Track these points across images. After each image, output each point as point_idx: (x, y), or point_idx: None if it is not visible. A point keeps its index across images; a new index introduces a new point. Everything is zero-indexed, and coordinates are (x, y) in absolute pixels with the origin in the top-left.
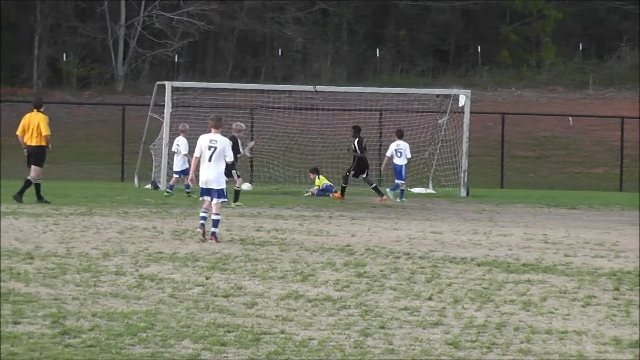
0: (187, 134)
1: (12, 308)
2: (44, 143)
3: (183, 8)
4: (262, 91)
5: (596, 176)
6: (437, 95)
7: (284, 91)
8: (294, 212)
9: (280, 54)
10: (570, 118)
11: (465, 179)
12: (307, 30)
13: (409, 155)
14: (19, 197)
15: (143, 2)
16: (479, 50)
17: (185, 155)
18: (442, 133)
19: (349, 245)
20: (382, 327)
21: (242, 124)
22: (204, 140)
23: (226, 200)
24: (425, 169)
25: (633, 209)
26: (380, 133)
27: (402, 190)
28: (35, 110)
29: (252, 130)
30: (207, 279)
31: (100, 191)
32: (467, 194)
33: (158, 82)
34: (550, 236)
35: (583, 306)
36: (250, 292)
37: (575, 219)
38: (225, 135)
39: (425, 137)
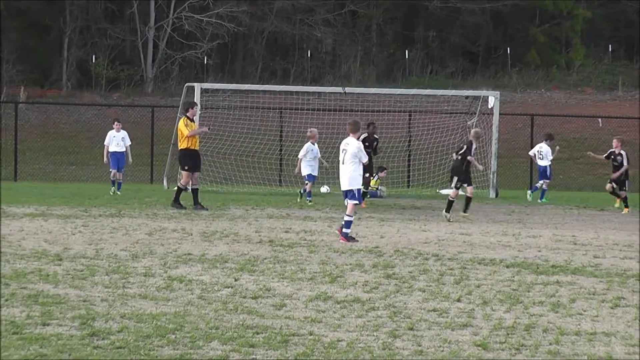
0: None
1: (41, 310)
2: (184, 146)
3: (212, 10)
4: (292, 93)
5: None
6: (466, 97)
7: (313, 93)
8: (322, 214)
9: (309, 55)
10: (600, 119)
11: (494, 181)
12: (336, 32)
13: (550, 157)
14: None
15: (172, 4)
16: (509, 51)
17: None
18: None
19: (377, 247)
20: (411, 329)
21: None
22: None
23: (357, 202)
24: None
25: None
26: (410, 135)
27: (544, 191)
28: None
29: (281, 132)
30: (235, 280)
31: (130, 192)
32: (496, 195)
33: (187, 84)
34: (579, 237)
35: (612, 307)
36: (279, 294)
37: (604, 221)
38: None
39: (455, 139)
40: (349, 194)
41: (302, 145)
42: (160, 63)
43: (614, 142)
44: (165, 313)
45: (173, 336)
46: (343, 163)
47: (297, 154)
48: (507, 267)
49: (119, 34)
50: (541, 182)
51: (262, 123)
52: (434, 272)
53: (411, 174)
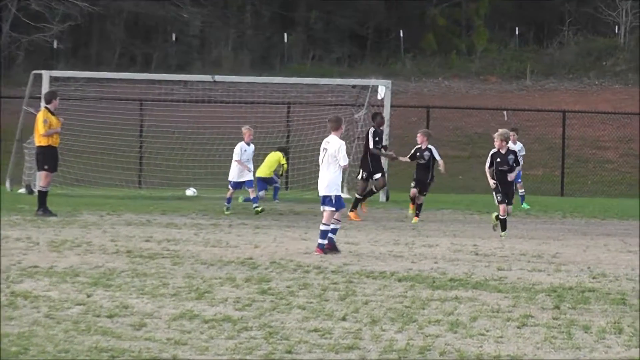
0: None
1: None
2: (44, 143)
3: None
4: (154, 81)
5: (534, 179)
6: (354, 86)
7: (178, 82)
8: (188, 220)
9: (174, 39)
10: (505, 112)
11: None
12: (205, 13)
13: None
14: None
15: None
16: (402, 35)
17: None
18: (359, 130)
19: (251, 258)
20: (289, 352)
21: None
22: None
23: (334, 209)
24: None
25: (575, 216)
26: (289, 129)
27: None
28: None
29: (141, 127)
30: (88, 296)
31: None
32: (387, 199)
33: (34, 72)
34: (481, 247)
35: (518, 327)
36: (138, 312)
37: (510, 228)
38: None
39: (340, 134)
40: (325, 200)
41: (163, 142)
42: (4, 47)
43: (419, 137)
44: (8, 334)
45: None
46: (322, 164)
47: (159, 152)
48: (399, 280)
49: None
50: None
51: (119, 116)
52: (315, 286)
53: (290, 174)
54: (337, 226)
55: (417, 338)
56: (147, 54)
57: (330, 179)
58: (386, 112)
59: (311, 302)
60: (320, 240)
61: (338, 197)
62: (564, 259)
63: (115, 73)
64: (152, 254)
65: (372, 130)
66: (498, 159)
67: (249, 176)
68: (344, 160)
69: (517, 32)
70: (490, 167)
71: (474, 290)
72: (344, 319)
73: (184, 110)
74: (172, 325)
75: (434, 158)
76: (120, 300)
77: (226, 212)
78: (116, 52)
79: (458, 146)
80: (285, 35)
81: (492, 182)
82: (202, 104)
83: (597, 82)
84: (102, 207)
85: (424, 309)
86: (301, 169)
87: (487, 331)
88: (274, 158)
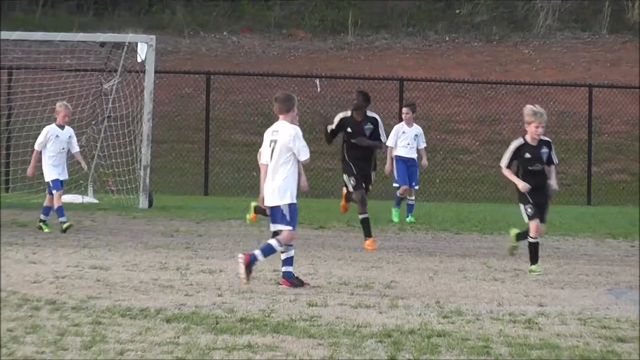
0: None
1: None
2: None
3: None
4: None
5: None
6: (102, 44)
7: None
8: None
9: None
10: (318, 81)
11: (147, 181)
12: None
13: (423, 145)
14: None
15: None
16: None
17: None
18: (110, 106)
19: None
20: None
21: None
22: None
23: (291, 228)
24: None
25: (419, 228)
26: (9, 104)
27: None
28: None
29: None
30: None
31: None
32: (151, 205)
33: None
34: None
35: None
36: None
37: (325, 245)
38: None
39: (82, 113)
40: (276, 213)
41: None
42: None
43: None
44: None
45: None
46: (269, 161)
47: None
48: (168, 321)
49: None
50: (405, 186)
51: None
52: (49, 329)
53: (11, 169)
54: (291, 253)
55: None
56: None
57: (281, 181)
58: (148, 81)
59: (43, 352)
60: (284, 268)
61: (292, 207)
62: (402, 289)
63: None
64: None
65: (371, 114)
66: (527, 154)
67: (65, 174)
68: (305, 153)
69: None
70: (508, 166)
71: (275, 334)
72: None
73: None
74: None
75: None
76: None
77: (47, 229)
78: None
79: (251, 128)
80: None
81: (522, 183)
82: None
83: (447, 38)
84: None
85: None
86: (28, 161)
87: None
88: None
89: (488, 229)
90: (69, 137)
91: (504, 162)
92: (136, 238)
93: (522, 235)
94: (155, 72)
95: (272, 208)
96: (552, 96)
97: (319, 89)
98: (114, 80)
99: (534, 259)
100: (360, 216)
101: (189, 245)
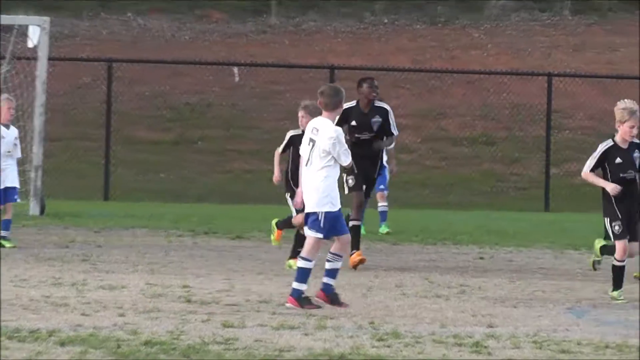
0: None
1: None
2: None
3: None
4: None
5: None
6: None
7: None
8: None
9: None
10: (236, 69)
11: (39, 184)
12: None
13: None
14: None
15: None
16: None
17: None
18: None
19: None
20: None
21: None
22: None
23: (321, 236)
24: None
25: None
26: None
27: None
28: None
29: None
30: None
31: None
32: (42, 211)
33: None
34: (196, 290)
35: None
36: None
37: (243, 257)
38: None
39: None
40: (310, 219)
41: None
42: None
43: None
44: None
45: None
46: (307, 165)
47: None
48: (62, 344)
49: None
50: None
51: None
52: None
53: None
54: (337, 264)
55: None
56: None
57: (321, 187)
58: (41, 69)
59: None
60: (295, 285)
61: (333, 217)
62: (332, 308)
63: None
64: None
65: (381, 104)
66: (618, 159)
67: (16, 180)
68: (347, 157)
69: None
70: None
71: (185, 359)
72: None
73: None
74: None
75: None
76: None
77: (9, 245)
78: None
79: (159, 124)
80: None
81: (612, 184)
82: None
83: (385, 20)
84: None
85: None
86: None
87: None
88: None
89: (431, 239)
90: (15, 138)
91: (588, 166)
92: (26, 249)
93: (608, 250)
94: (49, 59)
95: (308, 214)
96: (505, 86)
97: (237, 79)
98: (4, 68)
99: (617, 284)
100: (351, 222)
101: (87, 257)
